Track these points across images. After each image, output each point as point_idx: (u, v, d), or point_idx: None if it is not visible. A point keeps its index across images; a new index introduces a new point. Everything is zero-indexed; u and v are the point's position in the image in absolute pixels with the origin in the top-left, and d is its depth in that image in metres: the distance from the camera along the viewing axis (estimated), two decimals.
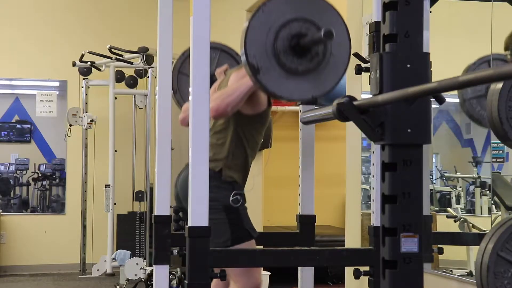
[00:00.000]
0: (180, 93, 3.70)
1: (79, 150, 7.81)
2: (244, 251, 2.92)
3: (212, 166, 2.77)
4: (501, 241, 2.32)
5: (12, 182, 8.61)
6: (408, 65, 1.70)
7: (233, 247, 3.12)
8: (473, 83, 1.34)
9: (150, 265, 6.30)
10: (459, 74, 1.37)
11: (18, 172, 8.59)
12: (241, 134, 3.26)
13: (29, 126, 8.59)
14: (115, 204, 7.43)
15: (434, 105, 4.16)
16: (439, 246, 3.40)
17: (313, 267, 3.48)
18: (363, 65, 3.06)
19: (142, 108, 7.66)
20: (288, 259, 2.80)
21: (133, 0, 8.32)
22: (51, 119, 8.19)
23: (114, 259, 6.90)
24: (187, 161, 3.26)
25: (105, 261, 7.32)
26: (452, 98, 4.24)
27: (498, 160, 4.16)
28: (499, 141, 2.93)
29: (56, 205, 8.63)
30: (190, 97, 2.60)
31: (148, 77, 7.32)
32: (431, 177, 4.67)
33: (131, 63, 7.39)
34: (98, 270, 7.32)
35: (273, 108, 7.30)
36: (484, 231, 3.81)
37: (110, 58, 7.34)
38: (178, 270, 5.70)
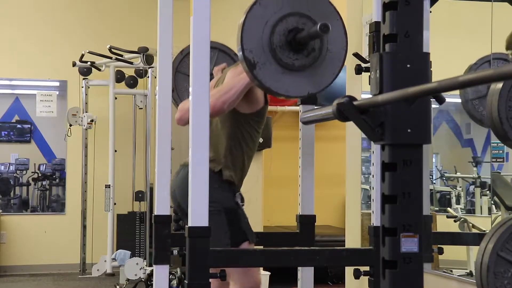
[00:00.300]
0: (177, 91, 3.69)
1: (79, 150, 7.81)
2: (244, 251, 2.92)
3: (211, 166, 2.77)
4: (501, 241, 2.32)
5: (12, 182, 8.61)
6: (408, 65, 1.70)
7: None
8: (473, 83, 1.34)
9: (150, 265, 6.30)
10: (459, 74, 1.37)
11: (18, 172, 8.59)
12: (239, 134, 3.25)
13: (29, 126, 8.60)
14: (115, 204, 7.43)
15: (434, 105, 4.16)
16: (439, 246, 3.40)
17: (313, 267, 3.48)
18: (363, 65, 3.06)
19: (142, 108, 7.66)
20: (288, 259, 2.80)
21: (133, 0, 8.32)
22: (51, 119, 8.19)
23: (114, 259, 6.90)
24: (183, 161, 3.26)
25: (105, 261, 7.32)
26: (452, 98, 4.24)
27: (498, 160, 4.16)
28: (499, 141, 2.94)
29: (56, 205, 8.63)
30: (190, 97, 2.60)
31: (148, 77, 7.32)
32: (431, 177, 4.68)
33: (131, 63, 7.39)
34: (98, 270, 7.32)
35: (273, 108, 7.36)
36: (484, 231, 3.81)
37: (110, 58, 7.34)
38: (178, 270, 5.70)
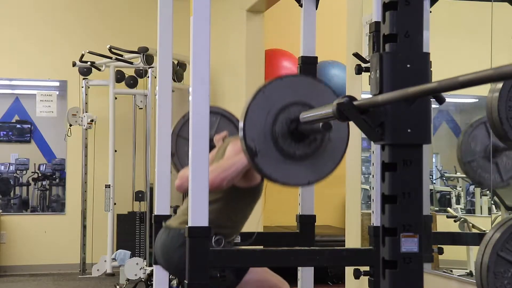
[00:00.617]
0: (178, 156, 3.63)
1: (79, 150, 7.81)
2: (244, 251, 2.92)
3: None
4: (501, 241, 2.32)
5: (12, 182, 8.61)
6: (408, 65, 1.70)
7: None
8: (473, 83, 1.34)
9: (150, 265, 6.29)
10: (459, 74, 1.37)
11: (18, 172, 8.59)
12: (231, 206, 3.14)
13: (29, 126, 8.59)
14: (115, 204, 7.44)
15: (434, 105, 4.16)
16: (439, 246, 3.40)
17: (313, 267, 3.48)
18: (363, 65, 3.06)
19: (142, 108, 7.66)
20: (288, 259, 2.80)
21: (133, 0, 8.33)
22: (51, 119, 8.19)
23: (114, 259, 6.90)
24: (167, 222, 3.15)
25: (105, 261, 7.32)
26: (452, 98, 4.25)
27: None
28: None
29: (56, 205, 8.63)
30: (191, 86, 2.60)
31: (148, 77, 7.32)
32: (431, 177, 4.67)
33: (131, 63, 7.39)
34: (98, 270, 7.32)
35: None
36: (484, 231, 3.81)
37: (110, 58, 7.34)
38: None
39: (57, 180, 8.61)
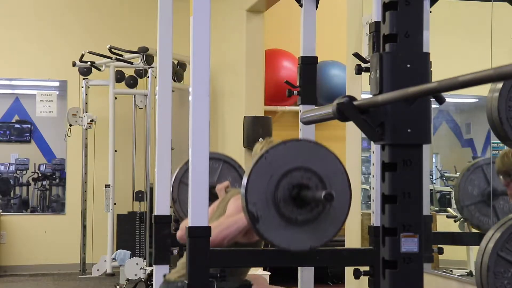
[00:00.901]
0: (179, 203, 3.64)
1: (79, 150, 7.81)
2: (244, 251, 2.92)
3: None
4: (501, 241, 2.32)
5: (12, 182, 8.61)
6: (408, 65, 1.70)
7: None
8: (473, 83, 1.33)
9: (150, 265, 6.29)
10: (459, 74, 1.37)
11: (18, 172, 8.59)
12: None
13: (29, 126, 8.60)
14: (115, 204, 7.44)
15: (434, 105, 4.16)
16: (439, 246, 3.40)
17: (313, 267, 3.48)
18: (363, 65, 3.06)
19: (142, 108, 7.66)
20: (288, 259, 2.79)
21: (133, 0, 8.33)
22: (51, 119, 8.19)
23: (114, 259, 6.90)
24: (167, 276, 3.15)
25: (105, 261, 7.32)
26: (452, 98, 4.25)
27: None
28: (499, 141, 2.93)
29: (56, 205, 8.63)
30: (191, 86, 2.60)
31: (148, 77, 7.32)
32: (431, 177, 4.68)
33: (131, 63, 7.39)
34: (98, 270, 7.32)
35: (273, 108, 7.36)
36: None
37: (110, 58, 7.35)
38: None
39: (57, 180, 8.61)
